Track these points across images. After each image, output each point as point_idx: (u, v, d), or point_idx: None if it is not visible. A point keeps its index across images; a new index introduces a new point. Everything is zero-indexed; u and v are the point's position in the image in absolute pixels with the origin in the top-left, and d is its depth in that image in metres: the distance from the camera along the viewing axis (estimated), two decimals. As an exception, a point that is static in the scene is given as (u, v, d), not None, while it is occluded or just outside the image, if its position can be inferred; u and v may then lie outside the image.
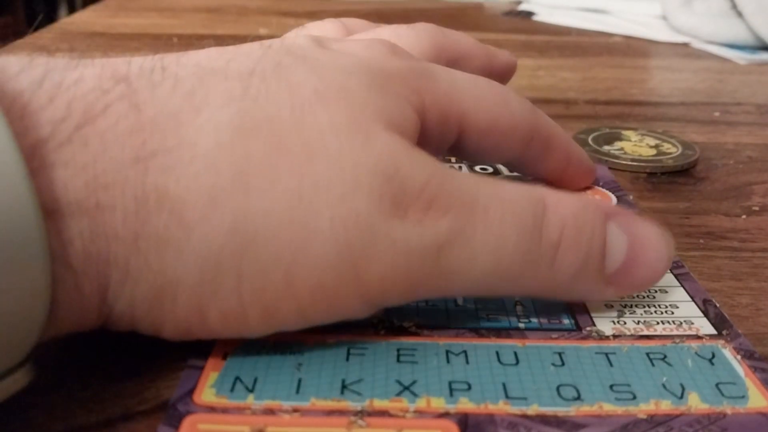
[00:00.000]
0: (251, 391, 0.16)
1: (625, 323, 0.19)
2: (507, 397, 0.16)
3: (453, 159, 0.30)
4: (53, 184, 0.14)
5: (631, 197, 0.27)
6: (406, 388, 0.16)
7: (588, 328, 0.19)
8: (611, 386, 0.17)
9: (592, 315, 0.19)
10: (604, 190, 0.27)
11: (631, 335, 0.19)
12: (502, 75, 0.31)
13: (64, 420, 0.15)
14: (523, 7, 0.68)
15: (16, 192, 0.13)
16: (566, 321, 0.19)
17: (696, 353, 0.18)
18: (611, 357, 0.18)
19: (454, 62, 0.27)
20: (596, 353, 0.18)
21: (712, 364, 0.17)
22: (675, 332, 0.19)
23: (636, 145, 0.32)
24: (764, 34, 0.51)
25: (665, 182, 0.29)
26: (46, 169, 0.14)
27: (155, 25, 0.57)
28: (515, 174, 0.29)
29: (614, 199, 0.27)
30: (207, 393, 0.16)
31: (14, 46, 0.46)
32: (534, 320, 0.19)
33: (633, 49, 0.55)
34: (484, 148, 0.21)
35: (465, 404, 0.16)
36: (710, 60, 0.51)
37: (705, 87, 0.44)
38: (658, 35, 0.57)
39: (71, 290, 0.15)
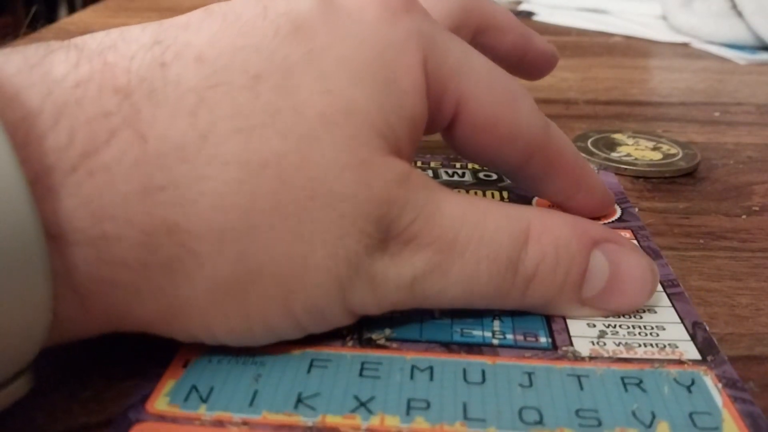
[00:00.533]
0: (205, 401, 0.16)
1: (604, 344, 0.18)
2: (465, 418, 0.16)
3: (457, 164, 0.30)
4: (58, 212, 0.14)
5: (636, 210, 0.26)
6: (363, 404, 0.16)
7: (564, 348, 0.18)
8: (577, 411, 0.16)
9: (572, 334, 0.19)
10: (608, 200, 0.27)
11: (609, 357, 0.18)
12: (536, 64, 0.28)
13: (64, 420, 0.16)
14: (523, 7, 0.67)
15: (19, 213, 0.13)
16: (543, 339, 0.18)
17: (674, 380, 0.17)
18: (583, 380, 0.17)
19: (483, 31, 0.26)
20: (568, 375, 0.17)
21: (690, 392, 0.17)
22: (656, 356, 0.18)
23: (638, 149, 0.31)
24: (764, 34, 0.50)
25: (665, 182, 0.29)
26: (51, 197, 0.14)
27: (154, 25, 0.57)
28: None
29: (619, 211, 0.26)
30: (160, 401, 0.16)
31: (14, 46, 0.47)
32: (509, 337, 0.18)
33: (633, 49, 0.53)
34: (476, 148, 0.20)
35: (420, 423, 0.15)
36: (710, 60, 0.50)
37: (705, 87, 0.43)
38: (658, 35, 0.56)
39: (76, 308, 0.15)
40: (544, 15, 0.64)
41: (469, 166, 0.30)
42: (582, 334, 0.19)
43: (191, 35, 0.16)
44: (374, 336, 0.18)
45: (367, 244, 0.16)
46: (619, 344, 0.18)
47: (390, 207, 0.17)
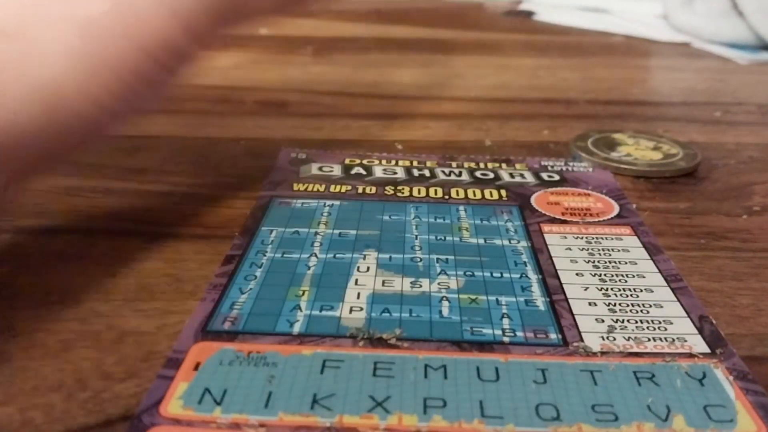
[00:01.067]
0: (219, 403, 0.16)
1: (614, 339, 0.18)
2: (483, 415, 0.16)
3: (454, 164, 0.30)
4: None
5: (634, 206, 0.26)
6: (379, 404, 0.16)
7: (575, 344, 0.18)
8: (593, 406, 0.16)
9: (581, 330, 0.19)
10: (606, 197, 0.27)
11: (620, 352, 0.18)
12: None
13: (63, 421, 0.15)
14: (523, 6, 0.68)
15: None
16: (553, 335, 0.18)
17: (686, 373, 0.17)
18: (596, 375, 0.17)
19: None
20: (581, 371, 0.17)
21: (702, 385, 0.17)
22: (666, 350, 0.18)
23: (638, 149, 0.31)
24: (765, 33, 0.50)
25: (666, 182, 0.29)
26: None
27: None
28: (513, 178, 0.28)
29: (617, 208, 0.26)
30: (174, 404, 0.16)
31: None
32: (519, 334, 0.18)
33: (633, 48, 0.54)
34: None
35: (438, 422, 0.15)
36: (711, 60, 0.51)
37: (706, 87, 0.44)
38: (658, 35, 0.57)
39: None
40: (545, 14, 0.64)
41: (466, 165, 0.30)
42: (591, 329, 0.19)
43: None
44: (385, 336, 0.18)
45: None
46: (628, 339, 0.18)
47: None
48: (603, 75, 0.46)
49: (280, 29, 0.57)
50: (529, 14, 0.65)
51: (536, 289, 0.20)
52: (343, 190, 0.27)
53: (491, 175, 0.29)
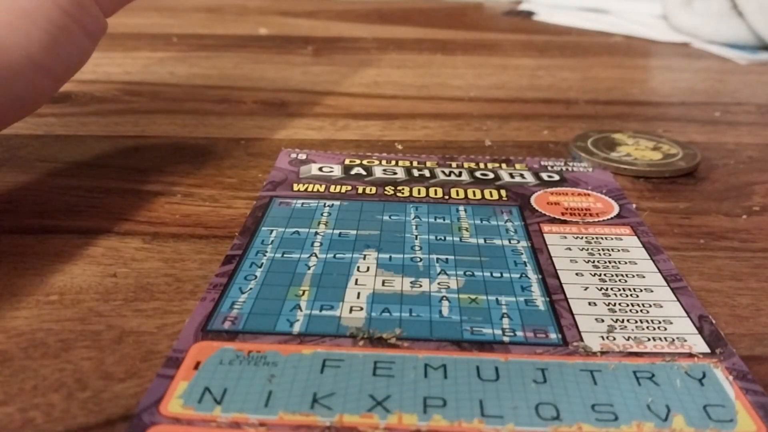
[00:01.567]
0: (219, 403, 0.16)
1: (614, 339, 0.18)
2: (483, 415, 0.16)
3: (453, 164, 0.30)
4: None
5: (634, 206, 0.26)
6: (379, 403, 0.16)
7: (575, 344, 0.18)
8: (593, 406, 0.16)
9: (581, 330, 0.19)
10: (606, 197, 0.27)
11: (620, 352, 0.18)
12: None
13: (62, 421, 0.15)
14: (523, 6, 0.68)
15: None
16: (553, 335, 0.18)
17: (686, 373, 0.17)
18: (596, 375, 0.17)
19: None
20: (581, 370, 0.17)
21: (702, 384, 0.17)
22: (666, 350, 0.18)
23: (638, 149, 0.31)
24: (765, 33, 0.50)
25: (666, 182, 0.29)
26: None
27: (155, 25, 0.57)
28: (514, 180, 0.28)
29: (616, 208, 0.26)
30: (174, 404, 0.16)
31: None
32: (519, 334, 0.18)
33: (633, 49, 0.54)
34: None
35: (438, 421, 0.15)
36: (711, 60, 0.51)
37: (705, 87, 0.44)
38: (658, 35, 0.57)
39: None
40: (545, 15, 0.64)
41: (466, 165, 0.30)
42: (591, 329, 0.19)
43: None
44: (385, 335, 0.18)
45: None
46: (628, 338, 0.18)
47: None
48: (603, 75, 0.46)
49: (280, 29, 0.57)
50: (529, 14, 0.65)
51: (536, 289, 0.20)
52: (343, 191, 0.27)
53: (491, 175, 0.29)
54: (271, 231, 0.23)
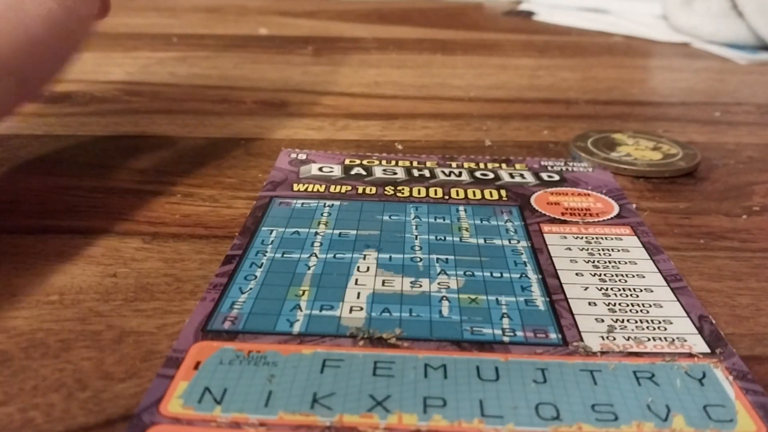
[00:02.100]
0: (219, 402, 0.16)
1: (614, 339, 0.18)
2: (482, 415, 0.16)
3: (453, 164, 0.30)
4: None
5: (634, 206, 0.26)
6: (379, 403, 0.16)
7: (575, 344, 0.18)
8: (593, 406, 0.16)
9: (581, 330, 0.19)
10: (606, 197, 0.27)
11: (620, 352, 0.18)
12: None
13: (62, 421, 0.15)
14: (523, 6, 0.68)
15: None
16: (553, 335, 0.18)
17: (686, 373, 0.17)
18: (596, 375, 0.17)
19: None
20: (581, 370, 0.17)
21: (702, 384, 0.17)
22: (666, 350, 0.18)
23: (638, 149, 0.31)
24: (765, 33, 0.51)
25: (666, 182, 0.29)
26: None
27: (155, 25, 0.57)
28: (513, 180, 0.28)
29: (616, 207, 0.26)
30: (174, 403, 0.16)
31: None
32: (519, 334, 0.18)
33: (633, 49, 0.54)
34: None
35: (438, 421, 0.15)
36: (710, 60, 0.51)
37: (705, 87, 0.44)
38: (658, 35, 0.57)
39: None
40: (544, 15, 0.64)
41: (466, 165, 0.30)
42: (591, 329, 0.19)
43: None
44: (385, 335, 0.18)
45: None
46: (628, 338, 0.18)
47: None
48: (603, 75, 0.46)
49: (280, 29, 0.57)
50: (528, 14, 0.65)
51: (536, 289, 0.20)
52: (343, 191, 0.27)
53: (491, 175, 0.29)
54: (271, 231, 0.23)
